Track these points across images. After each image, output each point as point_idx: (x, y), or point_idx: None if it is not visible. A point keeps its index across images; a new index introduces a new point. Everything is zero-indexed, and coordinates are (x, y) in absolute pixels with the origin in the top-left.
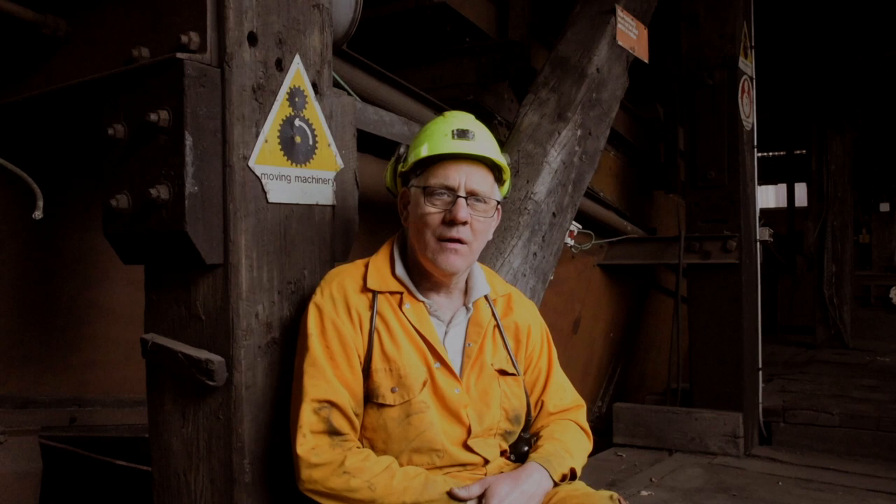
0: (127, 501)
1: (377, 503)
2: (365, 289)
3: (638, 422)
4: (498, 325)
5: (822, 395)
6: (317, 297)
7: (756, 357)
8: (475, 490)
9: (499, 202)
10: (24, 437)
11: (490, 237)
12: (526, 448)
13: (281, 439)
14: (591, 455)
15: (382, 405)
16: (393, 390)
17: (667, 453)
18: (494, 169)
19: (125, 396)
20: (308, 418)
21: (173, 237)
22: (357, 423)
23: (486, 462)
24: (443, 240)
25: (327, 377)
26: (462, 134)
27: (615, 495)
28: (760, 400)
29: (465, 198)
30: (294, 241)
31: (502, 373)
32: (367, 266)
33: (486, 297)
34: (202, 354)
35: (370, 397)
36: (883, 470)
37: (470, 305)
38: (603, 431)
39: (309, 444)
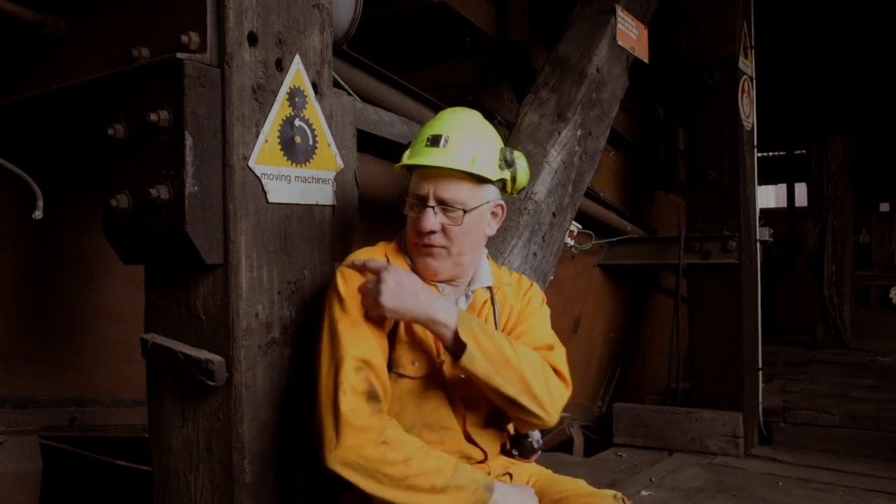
0: (127, 501)
1: (408, 481)
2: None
3: (638, 422)
4: (494, 314)
5: (822, 395)
6: (344, 270)
7: (756, 357)
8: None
9: (468, 210)
10: (24, 437)
11: (490, 233)
12: (528, 441)
13: (281, 439)
14: (590, 455)
15: (402, 375)
16: (413, 363)
17: (667, 453)
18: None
19: (125, 396)
20: (351, 376)
21: (173, 237)
22: (388, 391)
23: (486, 457)
24: (419, 244)
25: (366, 336)
26: (434, 141)
27: (619, 495)
28: (760, 400)
29: (434, 207)
30: (294, 241)
31: None
32: (385, 250)
33: (489, 288)
34: (202, 354)
35: (391, 366)
36: (883, 470)
37: (469, 293)
38: (603, 431)
39: (350, 403)
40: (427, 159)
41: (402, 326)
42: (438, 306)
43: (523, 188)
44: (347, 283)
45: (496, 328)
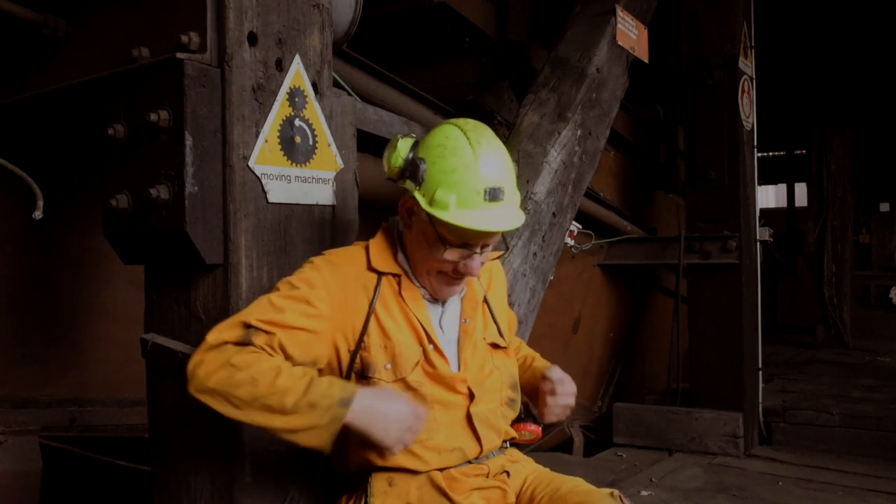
0: (127, 501)
1: (259, 402)
2: (369, 267)
3: (638, 422)
4: (486, 299)
5: (822, 395)
6: (316, 260)
7: (756, 357)
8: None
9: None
10: (24, 437)
11: None
12: (530, 419)
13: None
14: (590, 455)
15: (379, 380)
16: (386, 367)
17: (667, 453)
18: None
19: (125, 396)
20: (229, 328)
21: (173, 237)
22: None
23: (481, 450)
24: (449, 275)
25: (285, 313)
26: (494, 196)
27: (616, 492)
28: (760, 400)
29: (481, 251)
30: (294, 241)
31: (494, 346)
32: (366, 248)
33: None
34: None
35: (364, 372)
36: (883, 470)
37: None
38: (603, 431)
39: (214, 342)
40: (493, 222)
41: (374, 329)
42: None
43: None
44: (315, 270)
45: (495, 326)
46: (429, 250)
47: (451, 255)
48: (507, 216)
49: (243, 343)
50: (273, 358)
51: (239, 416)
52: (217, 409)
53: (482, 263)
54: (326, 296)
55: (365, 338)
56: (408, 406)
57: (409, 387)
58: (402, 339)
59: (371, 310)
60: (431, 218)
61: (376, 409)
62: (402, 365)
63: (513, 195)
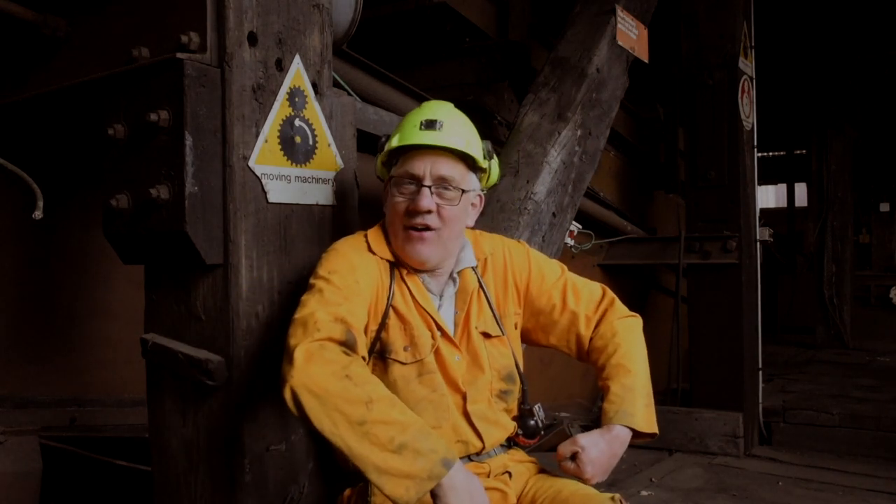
0: (127, 501)
1: (365, 427)
2: (369, 251)
3: None
4: (482, 288)
5: (822, 395)
6: (337, 245)
7: (756, 357)
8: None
9: (466, 191)
10: (24, 437)
11: (470, 223)
12: (532, 421)
13: (282, 438)
14: None
15: (395, 361)
16: (405, 349)
17: (667, 453)
18: (467, 158)
19: (125, 396)
20: (326, 322)
21: (173, 237)
22: (364, 355)
23: (483, 447)
24: (409, 227)
25: (350, 303)
26: (429, 125)
27: (617, 496)
28: (760, 400)
29: (430, 187)
30: (294, 241)
31: (486, 335)
32: (365, 236)
33: (474, 269)
34: (202, 354)
35: (383, 352)
36: (883, 470)
37: (456, 276)
38: None
39: (319, 336)
40: (426, 139)
41: (391, 311)
42: (623, 448)
43: (494, 185)
44: (340, 256)
45: (492, 314)
46: (391, 208)
47: (403, 193)
48: (444, 138)
49: (347, 346)
50: (382, 384)
51: (330, 431)
52: (306, 415)
53: (440, 212)
54: (363, 277)
55: (387, 319)
56: (486, 499)
57: (426, 369)
58: (416, 323)
59: (391, 292)
60: (383, 163)
61: (469, 487)
62: (421, 347)
63: (456, 131)
